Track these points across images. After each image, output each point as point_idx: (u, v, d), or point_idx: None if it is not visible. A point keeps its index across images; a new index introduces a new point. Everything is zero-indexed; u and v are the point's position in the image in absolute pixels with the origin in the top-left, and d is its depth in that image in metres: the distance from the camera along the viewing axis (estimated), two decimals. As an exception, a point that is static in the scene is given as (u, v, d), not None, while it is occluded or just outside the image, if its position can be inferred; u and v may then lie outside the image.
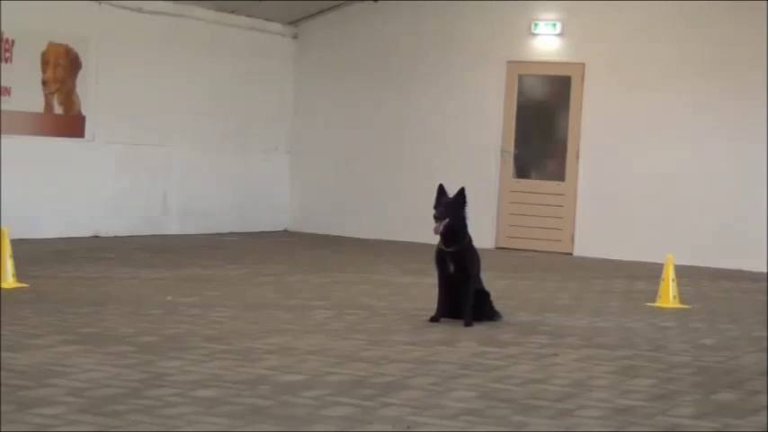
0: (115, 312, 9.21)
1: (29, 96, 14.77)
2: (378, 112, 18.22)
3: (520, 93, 17.56)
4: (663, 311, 11.00)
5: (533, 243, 17.16)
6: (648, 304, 11.41)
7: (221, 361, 7.36)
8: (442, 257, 9.50)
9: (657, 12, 16.61)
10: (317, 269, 13.33)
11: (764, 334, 9.67)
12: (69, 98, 15.30)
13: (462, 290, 9.40)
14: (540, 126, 17.70)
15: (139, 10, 16.09)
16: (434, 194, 9.45)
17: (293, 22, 18.60)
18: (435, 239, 9.60)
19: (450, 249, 9.41)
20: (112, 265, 12.59)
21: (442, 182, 9.59)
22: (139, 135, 16.30)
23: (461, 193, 9.40)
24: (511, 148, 17.47)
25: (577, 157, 17.12)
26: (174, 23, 16.61)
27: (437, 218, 9.31)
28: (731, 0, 16.14)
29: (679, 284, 11.61)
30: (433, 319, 9.45)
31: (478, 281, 9.62)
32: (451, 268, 9.43)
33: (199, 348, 7.76)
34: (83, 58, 15.42)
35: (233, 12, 17.43)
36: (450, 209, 9.33)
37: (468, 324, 9.29)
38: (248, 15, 17.77)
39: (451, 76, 17.79)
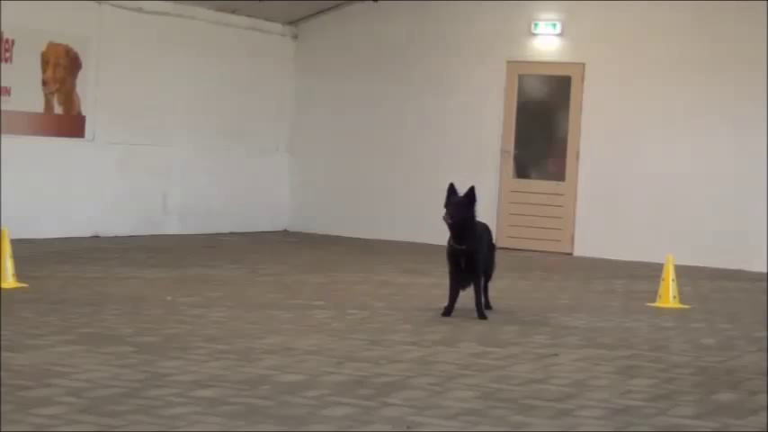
0: (115, 312, 9.21)
1: (29, 96, 14.76)
2: (378, 112, 18.21)
3: (520, 93, 17.55)
4: (663, 311, 10.99)
5: (533, 243, 17.15)
6: (648, 304, 11.41)
7: (221, 361, 7.35)
8: (454, 254, 9.74)
9: (657, 12, 16.60)
10: (316, 269, 13.33)
11: (764, 334, 9.67)
12: (69, 98, 15.29)
13: (474, 286, 9.79)
14: (540, 126, 17.68)
15: (139, 10, 16.09)
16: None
17: (293, 22, 18.59)
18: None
19: (462, 247, 9.66)
20: (112, 265, 12.58)
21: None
22: (139, 135, 16.30)
23: (471, 191, 9.62)
24: (511, 148, 17.47)
25: (577, 157, 17.11)
26: (174, 23, 16.60)
27: (447, 217, 9.56)
28: (731, 0, 16.14)
29: (679, 284, 11.61)
30: (445, 314, 9.74)
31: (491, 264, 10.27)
32: (463, 264, 9.72)
33: (199, 348, 7.76)
34: (83, 58, 15.41)
35: (233, 12, 17.43)
36: (461, 208, 9.56)
37: (481, 317, 9.69)
38: (248, 15, 17.76)
39: (451, 76, 17.78)
